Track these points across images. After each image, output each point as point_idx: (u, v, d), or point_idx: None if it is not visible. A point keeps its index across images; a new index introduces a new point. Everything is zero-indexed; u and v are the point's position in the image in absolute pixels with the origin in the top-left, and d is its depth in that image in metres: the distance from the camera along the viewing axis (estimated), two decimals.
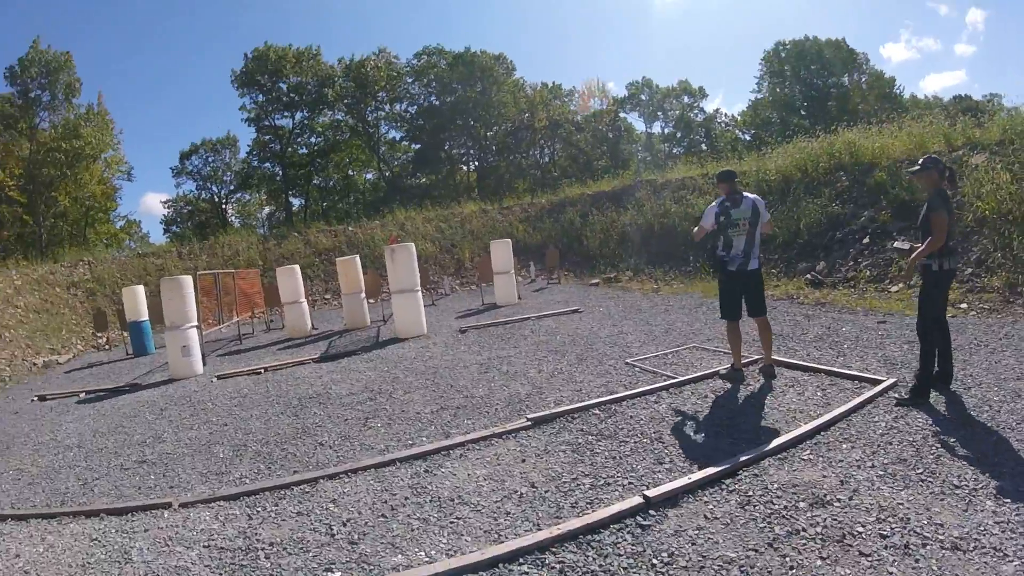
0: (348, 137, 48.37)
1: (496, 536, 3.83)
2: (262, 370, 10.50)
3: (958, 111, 19.10)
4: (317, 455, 5.73)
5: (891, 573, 3.17)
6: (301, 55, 44.59)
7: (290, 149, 46.79)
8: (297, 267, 16.41)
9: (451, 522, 4.07)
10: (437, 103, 48.33)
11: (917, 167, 5.87)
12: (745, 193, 6.73)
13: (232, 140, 48.55)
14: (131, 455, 6.56)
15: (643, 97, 56.76)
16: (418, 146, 49.65)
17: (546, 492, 4.36)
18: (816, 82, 55.78)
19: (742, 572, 3.27)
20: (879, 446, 4.72)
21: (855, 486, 4.10)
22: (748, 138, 55.36)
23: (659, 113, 57.78)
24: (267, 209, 52.39)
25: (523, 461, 4.96)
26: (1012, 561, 3.17)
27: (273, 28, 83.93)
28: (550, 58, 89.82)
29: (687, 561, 3.39)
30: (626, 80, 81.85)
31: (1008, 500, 3.75)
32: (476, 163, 51.73)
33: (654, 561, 3.42)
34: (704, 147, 54.43)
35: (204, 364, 11.46)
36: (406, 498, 4.48)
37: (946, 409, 5.43)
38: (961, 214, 11.58)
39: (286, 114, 46.07)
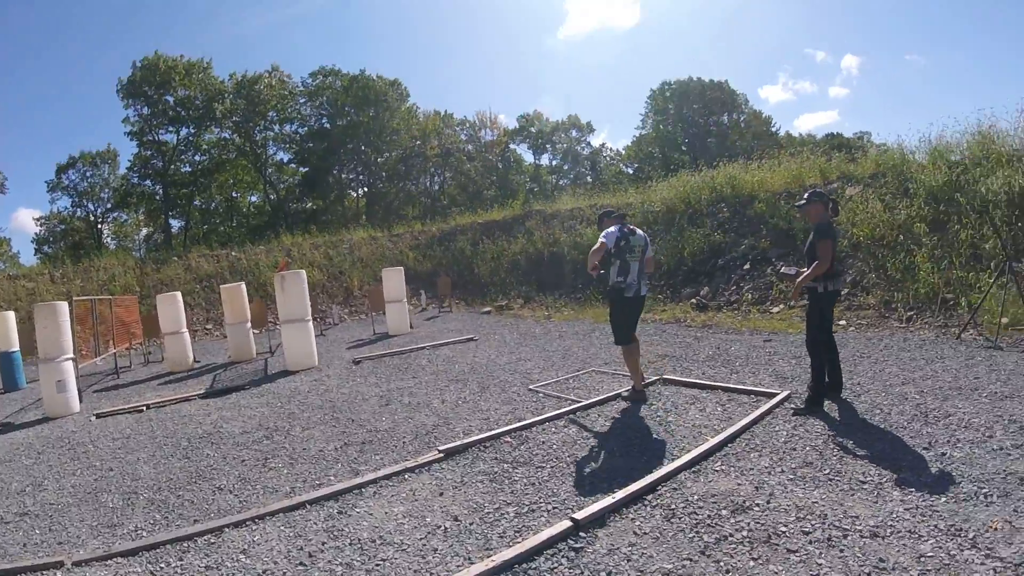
0: (234, 157, 46.18)
1: (428, 575, 3.69)
2: (144, 407, 9.76)
3: (830, 148, 20.62)
4: (217, 501, 5.27)
5: (820, 564, 3.39)
6: (191, 67, 42.28)
7: (173, 167, 44.04)
8: (179, 294, 15.32)
9: (376, 565, 3.85)
10: (328, 126, 47.20)
11: (803, 201, 6.42)
12: (635, 228, 7.12)
13: (112, 154, 45.37)
14: (11, 506, 5.79)
15: (533, 129, 58.01)
16: (306, 169, 48.12)
17: (471, 524, 4.26)
18: (698, 120, 58.87)
19: None
20: (785, 452, 5.05)
21: (770, 491, 4.34)
22: (631, 172, 57.58)
23: (547, 145, 59.12)
24: (145, 231, 48.89)
25: (441, 494, 4.82)
26: (928, 540, 3.50)
27: (161, 38, 79.70)
28: (444, 86, 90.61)
29: None
30: (517, 112, 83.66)
31: (912, 489, 4.14)
32: (365, 189, 50.76)
33: None
34: (590, 179, 55.97)
35: (80, 400, 10.60)
36: (323, 543, 4.20)
37: (840, 415, 5.89)
38: (838, 240, 12.48)
39: (171, 129, 43.42)
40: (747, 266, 14.45)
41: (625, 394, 7.31)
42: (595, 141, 71.32)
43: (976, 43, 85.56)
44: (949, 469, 4.40)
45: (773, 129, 60.83)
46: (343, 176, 49.51)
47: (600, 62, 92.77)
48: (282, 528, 4.50)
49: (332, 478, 5.51)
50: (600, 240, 6.81)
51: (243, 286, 15.07)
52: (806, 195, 6.46)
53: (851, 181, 14.72)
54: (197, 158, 45.43)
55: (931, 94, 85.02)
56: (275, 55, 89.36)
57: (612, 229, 6.92)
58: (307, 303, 12.27)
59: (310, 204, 49.14)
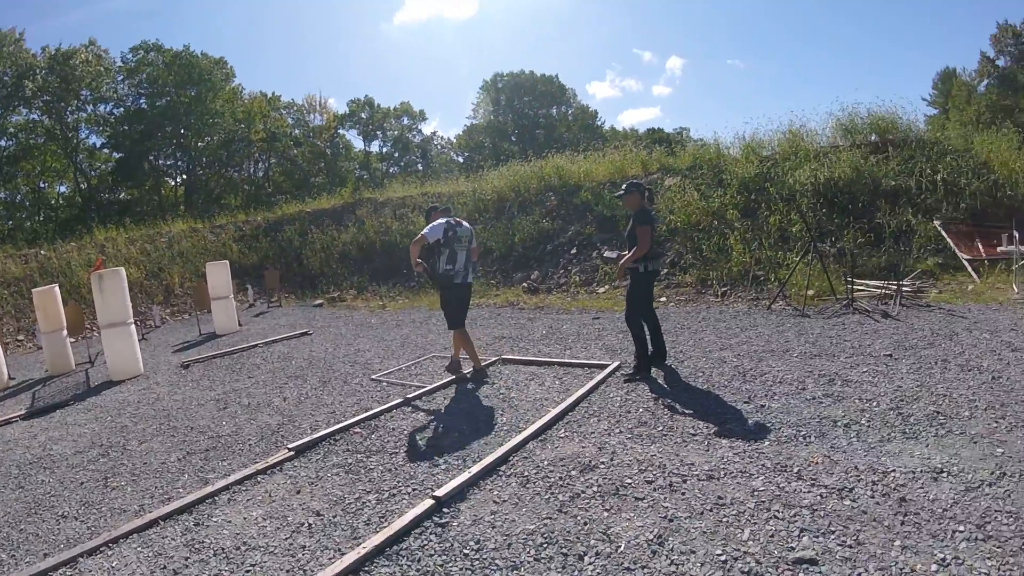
0: (43, 141, 41.03)
1: (301, 572, 3.65)
2: None
3: (652, 142, 22.08)
4: (64, 530, 4.79)
5: (666, 507, 3.82)
6: (2, 38, 37.37)
7: None
8: None
9: (246, 571, 3.74)
10: (146, 106, 43.35)
11: (622, 191, 7.01)
12: (462, 220, 7.54)
13: None
14: None
15: (363, 115, 57.02)
16: (120, 155, 43.95)
17: (334, 517, 4.25)
18: (528, 112, 60.52)
19: (545, 538, 3.62)
20: (621, 415, 5.57)
21: (612, 450, 4.79)
22: (462, 160, 58.15)
23: (378, 132, 58.42)
24: None
25: (298, 492, 4.74)
26: (758, 478, 4.08)
27: None
28: (272, 67, 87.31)
29: (495, 543, 3.63)
30: (348, 97, 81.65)
31: (739, 437, 4.78)
32: (184, 176, 47.45)
33: (465, 551, 3.59)
34: (420, 167, 55.97)
35: None
36: (185, 558, 3.99)
37: (667, 380, 6.58)
38: (657, 226, 13.58)
39: None
40: (574, 251, 15.19)
41: (468, 374, 7.65)
42: (427, 129, 71.34)
43: (792, 51, 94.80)
44: (769, 418, 5.08)
45: (599, 123, 64.00)
46: (160, 162, 45.88)
47: (435, 51, 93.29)
48: (140, 549, 4.20)
49: (181, 490, 5.20)
50: (421, 233, 7.11)
51: (56, 289, 13.67)
52: (624, 186, 7.05)
53: (670, 172, 16.05)
54: (2, 143, 40.23)
55: (749, 96, 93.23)
56: (94, 28, 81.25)
57: (440, 221, 7.25)
58: (128, 305, 11.39)
59: (124, 194, 45.19)
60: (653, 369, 6.90)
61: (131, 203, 42.91)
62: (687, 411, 5.49)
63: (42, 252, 22.90)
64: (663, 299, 11.63)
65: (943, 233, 10.98)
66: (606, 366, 7.22)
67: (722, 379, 6.35)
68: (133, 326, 11.39)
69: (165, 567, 3.92)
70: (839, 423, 4.82)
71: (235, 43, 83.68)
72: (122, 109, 44.02)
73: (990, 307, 8.59)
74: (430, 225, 7.24)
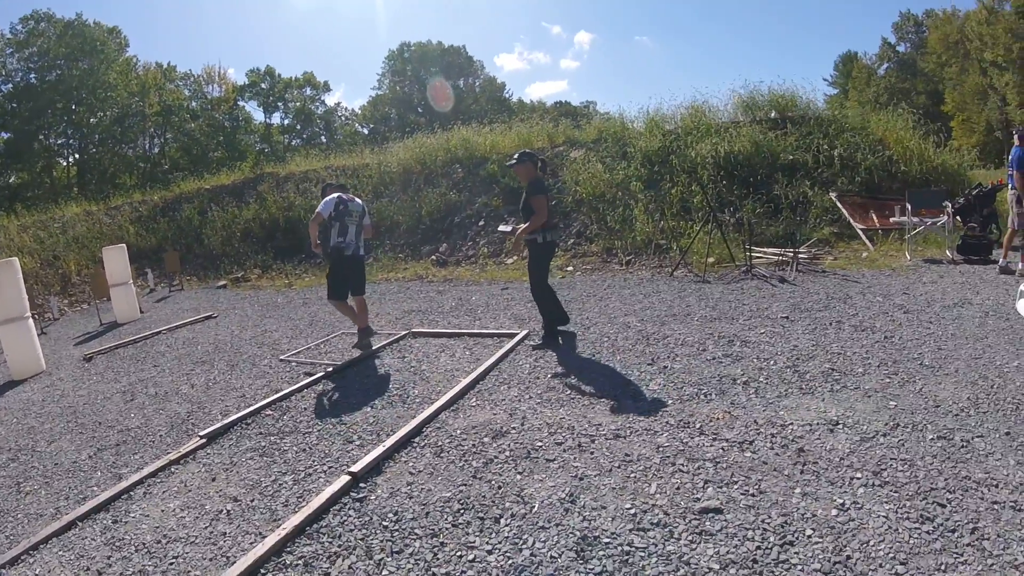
0: None
1: (224, 559, 3.62)
2: None
3: (559, 115, 22.27)
4: None
5: (576, 467, 4.01)
6: None
7: None
8: None
9: (171, 564, 3.69)
10: (36, 82, 40.68)
11: (514, 160, 7.01)
12: (354, 196, 7.78)
13: None
14: None
15: (264, 86, 55.20)
16: (8, 135, 41.24)
17: (252, 501, 4.24)
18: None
19: (461, 504, 3.74)
20: (530, 382, 5.74)
21: (522, 415, 4.95)
22: (367, 132, 57.17)
23: (279, 104, 56.71)
24: None
25: (213, 480, 4.69)
26: (662, 435, 4.33)
27: None
28: (167, 36, 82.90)
29: (413, 513, 3.71)
30: (247, 67, 78.70)
31: (642, 399, 5.02)
32: (76, 155, 44.96)
33: (384, 523, 3.66)
34: (324, 140, 54.76)
35: None
36: (108, 557, 3.90)
37: (574, 345, 6.80)
38: (563, 197, 14.03)
39: None
40: (481, 223, 15.32)
41: (356, 341, 7.81)
42: (330, 100, 69.67)
43: (700, 31, 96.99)
44: (672, 378, 5.35)
45: (506, 95, 63.97)
46: (51, 142, 43.20)
47: (339, 20, 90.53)
48: (61, 553, 4.09)
49: (95, 488, 5.05)
50: (316, 211, 7.30)
51: None
52: (516, 156, 7.01)
53: (576, 145, 16.37)
54: None
55: (655, 73, 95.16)
56: None
57: (331, 197, 7.41)
58: (24, 298, 10.79)
59: (14, 178, 42.54)
60: (562, 337, 7.09)
61: (21, 187, 40.45)
62: (594, 375, 5.70)
63: None
64: (569, 268, 11.92)
65: (839, 204, 11.67)
66: (515, 335, 7.38)
67: (626, 343, 6.61)
68: (31, 320, 10.78)
69: (88, 568, 3.84)
70: (738, 381, 5.13)
71: (129, 10, 79.06)
72: (10, 86, 41.35)
73: (883, 273, 9.21)
74: (323, 201, 7.40)
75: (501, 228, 7.87)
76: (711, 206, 10.72)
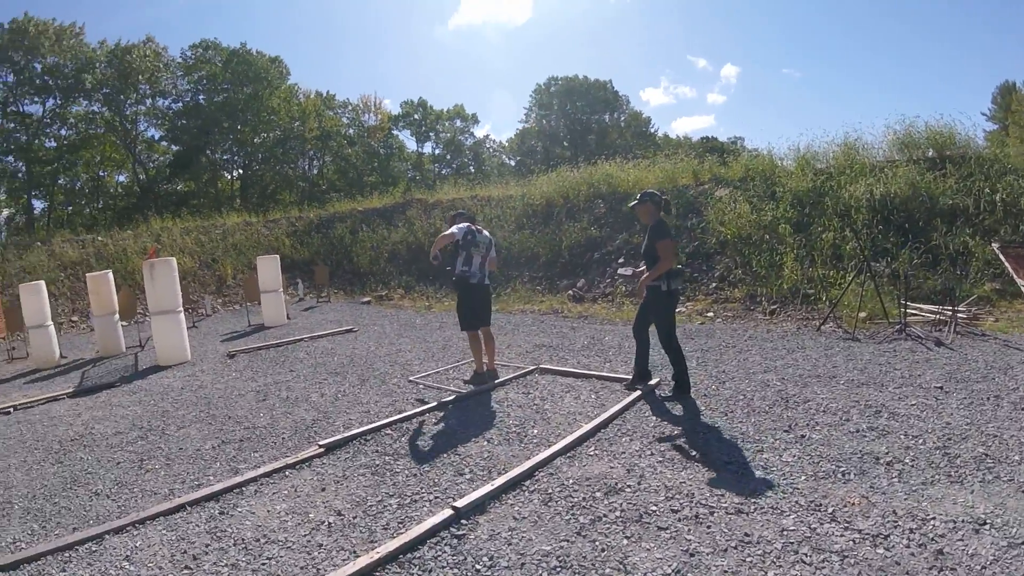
0: (102, 132, 42.18)
1: (315, 571, 3.63)
2: (11, 409, 8.96)
3: (705, 151, 21.64)
4: (95, 507, 4.93)
5: (689, 540, 3.64)
6: (63, 32, 38.32)
7: (36, 141, 39.59)
8: (42, 284, 13.71)
9: (263, 564, 3.76)
10: (204, 103, 44.42)
11: (635, 201, 6.69)
12: (482, 228, 7.80)
13: None
14: None
15: (417, 117, 57.52)
16: (178, 148, 45.14)
17: (355, 518, 4.23)
18: (580, 117, 60.36)
19: (560, 562, 3.50)
20: (654, 437, 5.37)
21: (641, 472, 4.60)
22: (514, 164, 58.23)
23: (431, 134, 58.86)
24: (6, 212, 43.40)
25: (323, 490, 4.75)
26: (789, 515, 3.84)
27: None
28: (328, 67, 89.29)
29: (508, 561, 3.53)
30: (402, 98, 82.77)
31: (774, 469, 4.53)
32: (240, 171, 48.54)
33: (477, 567, 3.51)
34: (472, 170, 56.21)
35: None
36: (207, 545, 4.05)
37: (706, 401, 6.31)
38: (706, 238, 13.52)
39: (37, 100, 39.22)
40: (621, 260, 14.98)
41: (467, 379, 7.96)
42: (479, 132, 71.64)
43: (849, 61, 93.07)
44: (809, 450, 4.80)
45: (652, 130, 63.50)
46: (217, 156, 46.83)
47: (489, 54, 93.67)
48: (164, 532, 4.29)
49: (211, 478, 5.29)
50: (451, 230, 7.47)
51: (110, 274, 14.00)
52: (639, 195, 6.72)
53: (722, 183, 15.64)
54: (63, 132, 41.48)
55: (804, 106, 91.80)
56: (152, 24, 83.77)
57: (463, 224, 7.57)
58: (178, 293, 11.62)
59: (181, 186, 46.44)
60: (693, 388, 6.70)
61: (188, 195, 44.01)
62: (724, 436, 5.27)
63: (99, 238, 23.58)
64: (710, 314, 11.35)
65: (1001, 257, 10.48)
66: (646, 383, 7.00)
67: (763, 404, 6.09)
68: (182, 314, 11.65)
69: (186, 551, 3.99)
70: (881, 460, 4.54)
71: (291, 42, 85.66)
72: (180, 104, 45.09)
73: None
74: (456, 225, 7.56)
75: (621, 271, 7.60)
76: (865, 254, 9.90)
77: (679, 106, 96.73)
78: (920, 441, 4.86)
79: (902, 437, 4.97)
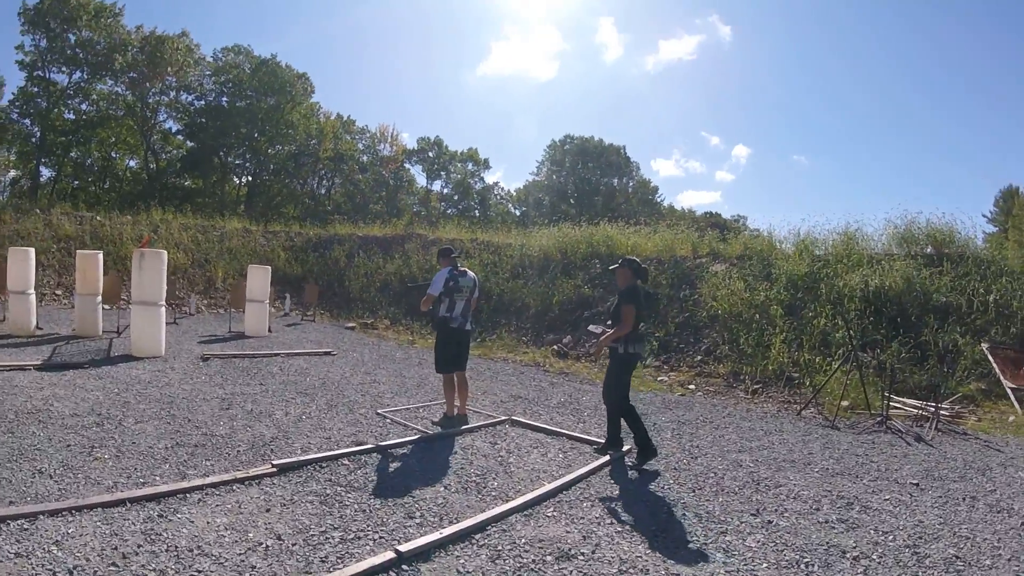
0: (122, 115, 42.26)
1: None
2: None
3: (707, 225, 21.79)
4: (36, 485, 4.79)
5: None
6: (102, 9, 38.47)
7: (56, 110, 39.51)
8: (32, 251, 13.56)
9: (191, 575, 3.64)
10: (225, 105, 44.71)
11: (616, 264, 6.92)
12: (465, 269, 7.82)
13: None
14: None
15: (430, 154, 58.07)
16: (193, 144, 45.28)
17: (293, 545, 4.06)
18: (590, 177, 61.11)
19: None
20: (617, 505, 5.18)
21: (597, 541, 4.40)
22: (519, 213, 58.63)
23: (442, 172, 59.35)
24: (12, 173, 43.45)
25: (267, 511, 4.58)
26: None
27: None
28: (351, 91, 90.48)
29: None
30: (419, 133, 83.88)
31: (736, 552, 4.34)
32: (250, 178, 48.71)
33: None
34: (477, 213, 56.55)
35: None
36: (139, 545, 3.89)
37: (675, 476, 6.10)
38: (697, 310, 13.47)
39: (64, 69, 39.23)
40: (609, 322, 14.84)
41: (436, 421, 7.86)
42: (490, 178, 72.28)
43: (857, 155, 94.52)
44: (774, 537, 4.62)
45: (658, 199, 64.10)
46: (229, 160, 46.97)
47: (511, 105, 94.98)
48: (99, 524, 4.15)
49: (157, 478, 5.14)
50: (428, 293, 7.67)
51: (100, 256, 13.86)
52: (619, 260, 6.99)
53: (719, 258, 15.74)
54: (84, 107, 41.50)
55: (809, 193, 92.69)
56: (190, 18, 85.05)
57: (443, 273, 7.63)
58: (163, 287, 11.49)
59: (189, 182, 46.51)
60: (664, 461, 6.55)
61: (194, 192, 44.01)
62: (688, 514, 5.06)
63: (98, 218, 23.46)
64: (692, 387, 11.22)
65: (989, 357, 10.43)
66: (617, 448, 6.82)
67: (734, 484, 5.91)
68: (163, 309, 11.55)
69: (116, 548, 3.85)
70: (848, 555, 4.36)
71: (321, 60, 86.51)
72: (203, 102, 45.42)
73: None
74: (433, 280, 7.67)
75: (591, 328, 7.60)
76: (853, 344, 9.81)
77: (688, 179, 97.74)
78: (890, 537, 4.71)
79: (872, 532, 4.81)
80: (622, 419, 6.63)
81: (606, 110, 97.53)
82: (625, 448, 6.78)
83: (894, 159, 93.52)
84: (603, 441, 6.88)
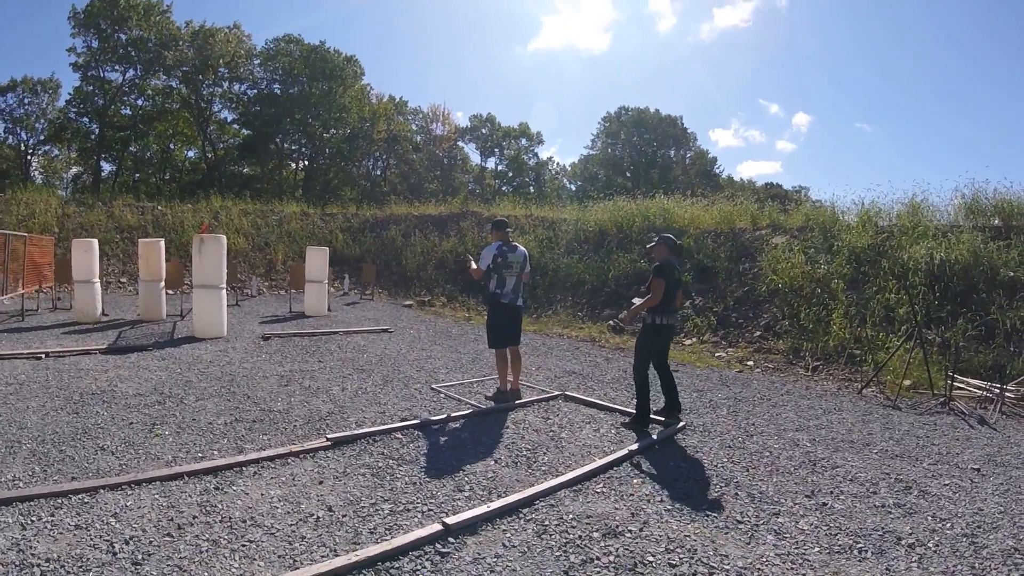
0: (177, 108, 43.89)
1: (291, 562, 3.54)
2: (43, 355, 9.20)
3: (767, 196, 21.14)
4: (98, 461, 5.02)
5: None
6: (151, 7, 39.92)
7: (113, 107, 41.28)
8: (95, 242, 14.26)
9: (243, 545, 3.71)
10: (278, 92, 45.63)
11: (653, 243, 7.04)
12: (516, 244, 7.80)
13: (55, 84, 42.29)
14: None
15: (484, 131, 58.07)
16: (249, 132, 46.41)
17: (344, 516, 4.13)
18: (646, 150, 60.10)
19: None
20: (668, 482, 5.09)
21: (645, 518, 4.34)
22: (574, 188, 58.22)
23: (496, 149, 59.28)
24: (74, 170, 46.17)
25: (320, 483, 4.69)
26: None
27: None
28: (402, 72, 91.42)
29: None
30: (471, 111, 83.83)
31: (787, 535, 4.20)
32: (306, 162, 49.70)
33: None
34: (532, 189, 56.37)
35: None
36: (194, 516, 4.04)
37: (729, 454, 5.96)
38: (757, 284, 13.16)
39: (117, 68, 40.93)
40: (641, 288, 14.68)
41: (490, 395, 7.89)
42: (543, 154, 72.04)
43: (922, 118, 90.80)
44: (828, 520, 4.47)
45: (717, 170, 62.78)
46: (285, 146, 47.90)
47: (564, 79, 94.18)
48: (156, 496, 4.32)
49: (215, 452, 5.33)
50: (475, 266, 7.85)
51: (162, 243, 14.34)
52: (656, 237, 7.18)
53: (779, 231, 15.24)
54: (139, 103, 43.19)
55: (873, 161, 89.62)
56: (239, 11, 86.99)
57: (491, 247, 7.67)
58: (223, 270, 11.83)
59: (247, 169, 47.77)
60: (720, 437, 6.47)
61: (252, 178, 45.21)
62: (740, 493, 4.94)
63: (159, 207, 24.24)
64: (750, 363, 10.97)
65: None
66: (672, 424, 6.73)
67: (789, 464, 5.73)
68: (224, 291, 11.87)
69: (172, 519, 4.00)
70: (903, 541, 4.19)
71: (369, 43, 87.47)
72: (255, 91, 46.32)
73: None
74: (481, 254, 7.77)
75: (635, 300, 7.54)
76: (917, 320, 9.41)
77: (747, 150, 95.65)
78: (947, 525, 4.50)
79: (929, 518, 4.60)
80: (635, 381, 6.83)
81: (661, 81, 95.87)
82: (680, 424, 6.73)
83: (961, 126, 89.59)
84: (629, 420, 6.84)
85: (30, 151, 43.73)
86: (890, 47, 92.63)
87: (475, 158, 59.44)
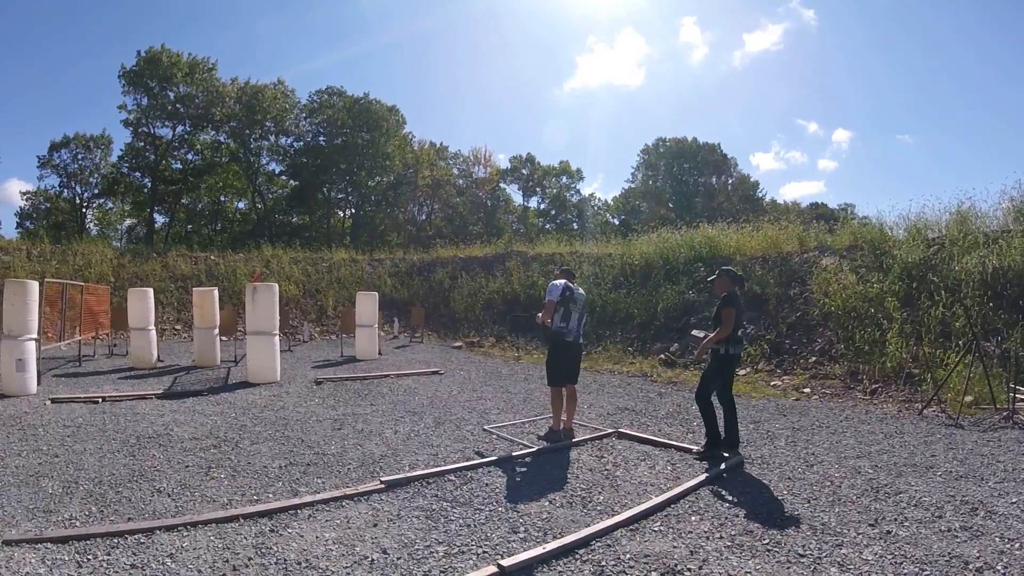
0: (227, 161, 45.42)
1: None
2: (100, 399, 9.56)
3: (813, 217, 20.85)
4: (154, 503, 5.15)
5: None
6: (196, 65, 41.47)
7: (164, 162, 42.92)
8: (151, 291, 15.04)
9: None
10: (324, 143, 46.77)
11: (715, 276, 7.16)
12: (578, 287, 7.86)
13: (106, 140, 44.17)
14: None
15: (524, 171, 58.59)
16: (296, 183, 47.60)
17: (398, 559, 4.14)
18: (687, 179, 59.89)
19: None
20: (727, 518, 4.97)
21: (704, 556, 4.25)
22: (617, 223, 58.15)
23: (537, 188, 59.71)
24: (128, 222, 48.08)
25: (375, 526, 4.71)
26: None
27: (171, 32, 78.71)
28: (442, 118, 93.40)
29: None
30: (512, 153, 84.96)
31: (851, 566, 4.07)
32: (353, 210, 50.62)
33: None
34: (575, 226, 56.53)
35: (38, 383, 10.40)
36: (249, 558, 4.09)
37: (790, 486, 5.83)
38: (808, 309, 12.92)
39: (167, 124, 42.45)
40: (693, 320, 14.64)
41: (543, 435, 7.85)
42: (585, 190, 72.23)
43: (965, 126, 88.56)
44: (893, 548, 4.34)
45: (760, 194, 62.05)
46: (332, 194, 48.95)
47: (600, 115, 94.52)
48: (212, 538, 4.41)
49: (270, 495, 5.41)
50: (548, 298, 7.64)
51: (215, 292, 14.82)
52: (717, 271, 7.25)
53: (827, 252, 15.03)
54: (190, 157, 44.73)
55: (918, 173, 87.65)
56: (283, 66, 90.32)
57: (559, 282, 7.64)
58: (275, 317, 12.13)
59: (296, 218, 48.91)
60: (778, 469, 6.36)
61: (301, 228, 46.07)
62: (802, 526, 4.80)
63: (212, 257, 25.03)
64: (807, 390, 10.76)
65: None
66: (727, 458, 6.61)
67: (851, 493, 5.58)
68: (277, 337, 12.13)
69: (227, 560, 4.07)
70: (971, 566, 4.04)
71: (410, 91, 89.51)
72: (301, 143, 47.52)
73: None
74: (549, 288, 7.74)
75: (694, 332, 7.53)
76: (974, 332, 9.13)
77: (789, 171, 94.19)
78: (1016, 546, 4.33)
79: (997, 540, 4.44)
80: (723, 406, 6.92)
81: (698, 110, 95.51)
82: (737, 458, 6.63)
83: (1003, 130, 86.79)
84: (702, 449, 6.88)
85: (85, 204, 45.46)
86: (923, 55, 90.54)
87: (517, 198, 59.96)
